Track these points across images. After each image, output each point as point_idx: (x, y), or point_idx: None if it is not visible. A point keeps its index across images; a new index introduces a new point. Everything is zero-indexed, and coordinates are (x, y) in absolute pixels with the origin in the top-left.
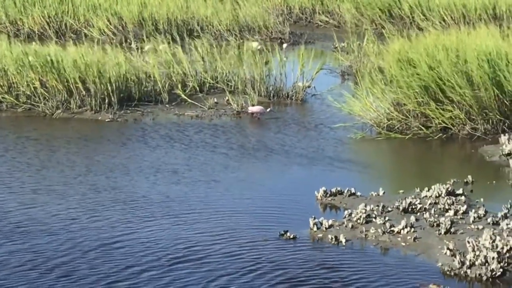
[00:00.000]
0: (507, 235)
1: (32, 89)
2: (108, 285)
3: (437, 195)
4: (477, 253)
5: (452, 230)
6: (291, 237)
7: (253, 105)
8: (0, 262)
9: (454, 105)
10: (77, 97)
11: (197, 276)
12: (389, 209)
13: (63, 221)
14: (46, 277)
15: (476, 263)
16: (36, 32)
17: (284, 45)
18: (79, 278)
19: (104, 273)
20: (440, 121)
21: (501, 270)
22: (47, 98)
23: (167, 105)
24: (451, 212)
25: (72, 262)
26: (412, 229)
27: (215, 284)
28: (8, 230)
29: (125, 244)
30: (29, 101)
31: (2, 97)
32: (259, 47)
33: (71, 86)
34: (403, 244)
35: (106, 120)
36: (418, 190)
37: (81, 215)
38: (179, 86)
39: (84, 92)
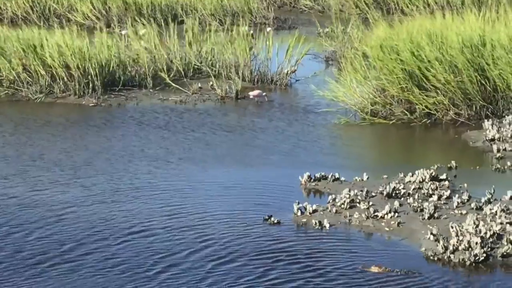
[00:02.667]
0: (491, 220)
1: (15, 74)
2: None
3: (421, 180)
4: (461, 238)
5: (436, 215)
6: (275, 222)
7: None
8: None
9: (438, 91)
10: (61, 82)
11: (181, 263)
12: (373, 194)
13: (40, 206)
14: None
15: (460, 248)
16: (20, 16)
17: (268, 29)
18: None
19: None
20: (424, 107)
21: (484, 255)
22: (30, 83)
23: (151, 90)
24: (434, 197)
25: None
26: (396, 214)
27: (195, 270)
28: None
29: (107, 231)
30: (12, 85)
31: None
32: (251, 32)
33: (54, 71)
34: (387, 229)
35: (90, 104)
36: (402, 175)
37: (63, 199)
38: (164, 70)
39: (67, 77)
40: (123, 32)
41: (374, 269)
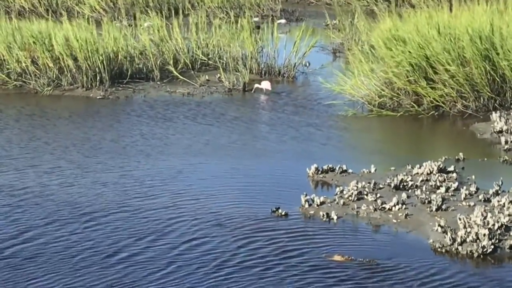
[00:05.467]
0: (498, 212)
1: (23, 66)
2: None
3: (429, 172)
4: (468, 230)
5: (444, 207)
6: (283, 214)
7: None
8: None
9: (446, 83)
10: (68, 74)
11: (187, 251)
12: (381, 186)
13: (48, 197)
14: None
15: (467, 240)
16: (27, 9)
17: (282, 21)
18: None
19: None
20: (432, 99)
21: (492, 246)
22: (38, 75)
23: (158, 83)
24: (442, 189)
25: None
26: (404, 206)
27: (204, 260)
28: None
29: (113, 217)
30: (20, 78)
31: None
32: (259, 24)
33: (62, 63)
34: (395, 221)
35: (97, 97)
36: (409, 167)
37: (71, 190)
38: (171, 62)
39: (75, 70)
40: (145, 25)
41: (337, 257)
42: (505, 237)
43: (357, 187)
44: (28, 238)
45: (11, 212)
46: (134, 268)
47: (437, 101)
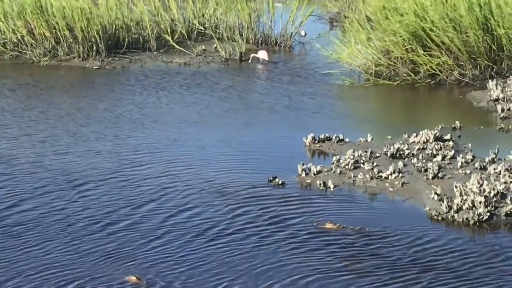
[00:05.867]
0: (494, 180)
1: (20, 36)
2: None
3: (425, 140)
4: (465, 197)
5: (440, 175)
6: (280, 183)
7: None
8: None
9: (442, 51)
10: (65, 44)
11: (181, 220)
12: (377, 155)
13: (45, 166)
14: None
15: (464, 207)
16: None
17: None
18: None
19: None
20: (428, 68)
21: (488, 214)
22: (34, 45)
23: (155, 53)
24: (438, 158)
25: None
26: (400, 175)
27: (199, 229)
28: None
29: (106, 186)
30: (16, 48)
31: None
32: None
33: (59, 33)
34: (391, 189)
35: (94, 67)
36: (406, 136)
37: (65, 159)
38: (168, 32)
39: (71, 40)
40: None
41: (329, 225)
42: (501, 205)
43: (354, 156)
44: (21, 207)
45: (4, 181)
46: (127, 237)
47: (434, 69)
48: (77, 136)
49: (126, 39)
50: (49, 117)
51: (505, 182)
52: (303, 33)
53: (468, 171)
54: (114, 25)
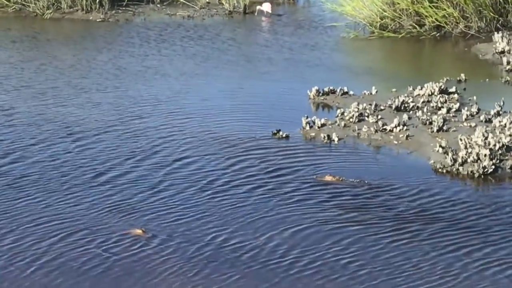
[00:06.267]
0: (499, 132)
1: None
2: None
3: (430, 93)
4: (469, 150)
5: (445, 128)
6: (284, 136)
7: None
8: None
9: (448, 3)
10: None
11: (185, 172)
12: (382, 107)
13: (46, 118)
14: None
15: (468, 160)
16: None
17: None
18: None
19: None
20: (434, 20)
21: (493, 167)
22: None
23: (158, 5)
24: (443, 110)
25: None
26: (405, 127)
27: (201, 181)
28: None
29: (105, 136)
30: (19, 1)
31: None
32: None
33: None
34: (396, 142)
35: (97, 20)
36: (411, 88)
37: (65, 110)
38: None
39: None
40: None
41: (328, 178)
42: (506, 157)
43: (358, 108)
44: (23, 158)
45: (6, 133)
46: (129, 190)
47: (439, 22)
48: (78, 88)
49: None
50: (50, 69)
51: (510, 135)
52: None
53: (473, 124)
54: None
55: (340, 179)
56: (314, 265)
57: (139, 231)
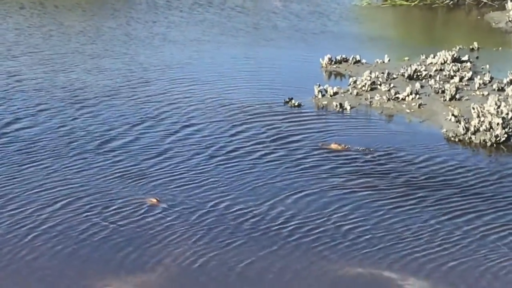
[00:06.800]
0: None
1: None
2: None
3: (443, 61)
4: (482, 119)
5: (457, 96)
6: (296, 104)
7: None
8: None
9: None
10: None
11: (200, 138)
12: (394, 76)
13: (54, 84)
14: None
15: (481, 129)
16: None
17: None
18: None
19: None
20: None
21: (505, 135)
22: None
23: None
24: (456, 79)
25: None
26: (417, 96)
27: (212, 148)
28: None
29: (110, 103)
30: None
31: None
32: None
33: None
34: (408, 110)
35: None
36: (423, 57)
37: (70, 76)
38: None
39: None
40: None
41: (333, 146)
42: None
43: (371, 77)
44: (26, 122)
45: (6, 98)
46: (132, 153)
47: None
48: (86, 54)
49: None
50: (58, 35)
51: None
52: None
53: (485, 93)
54: None
55: (346, 147)
56: (314, 232)
57: (153, 200)
